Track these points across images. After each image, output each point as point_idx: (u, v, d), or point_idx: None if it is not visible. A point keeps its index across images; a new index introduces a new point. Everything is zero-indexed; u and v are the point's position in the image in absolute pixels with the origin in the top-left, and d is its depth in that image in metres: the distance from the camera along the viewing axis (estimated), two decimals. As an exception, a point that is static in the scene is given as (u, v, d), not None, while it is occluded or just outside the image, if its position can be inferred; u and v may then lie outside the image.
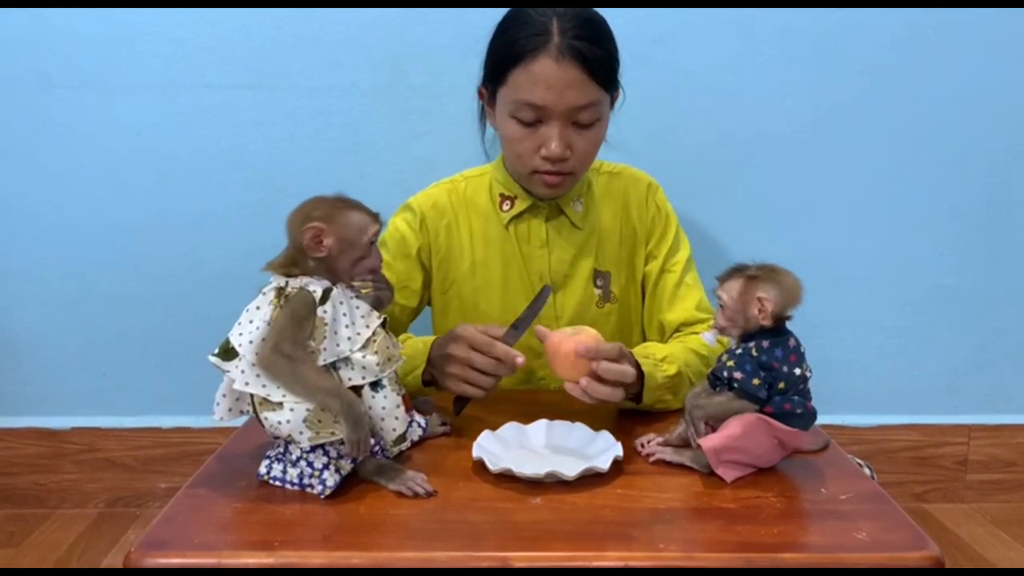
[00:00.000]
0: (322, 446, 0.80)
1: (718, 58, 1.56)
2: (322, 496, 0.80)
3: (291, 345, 0.78)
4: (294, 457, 0.82)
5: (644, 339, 1.27)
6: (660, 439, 0.91)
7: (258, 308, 0.81)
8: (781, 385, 0.83)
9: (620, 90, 1.14)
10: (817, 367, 0.87)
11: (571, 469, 0.82)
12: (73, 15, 1.51)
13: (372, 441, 0.83)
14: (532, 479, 0.82)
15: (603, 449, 0.88)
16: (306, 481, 0.81)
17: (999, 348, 1.73)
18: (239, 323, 0.81)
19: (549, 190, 1.14)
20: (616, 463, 0.85)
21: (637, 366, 1.01)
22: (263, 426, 0.79)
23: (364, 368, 0.82)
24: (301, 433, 0.77)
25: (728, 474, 0.84)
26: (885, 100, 1.59)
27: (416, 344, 1.10)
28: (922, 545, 0.71)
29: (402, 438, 0.88)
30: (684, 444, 0.89)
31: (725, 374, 0.84)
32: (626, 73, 1.12)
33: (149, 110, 1.56)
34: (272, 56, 1.54)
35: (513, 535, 0.73)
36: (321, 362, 0.80)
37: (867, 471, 1.13)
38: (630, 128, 1.27)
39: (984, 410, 1.76)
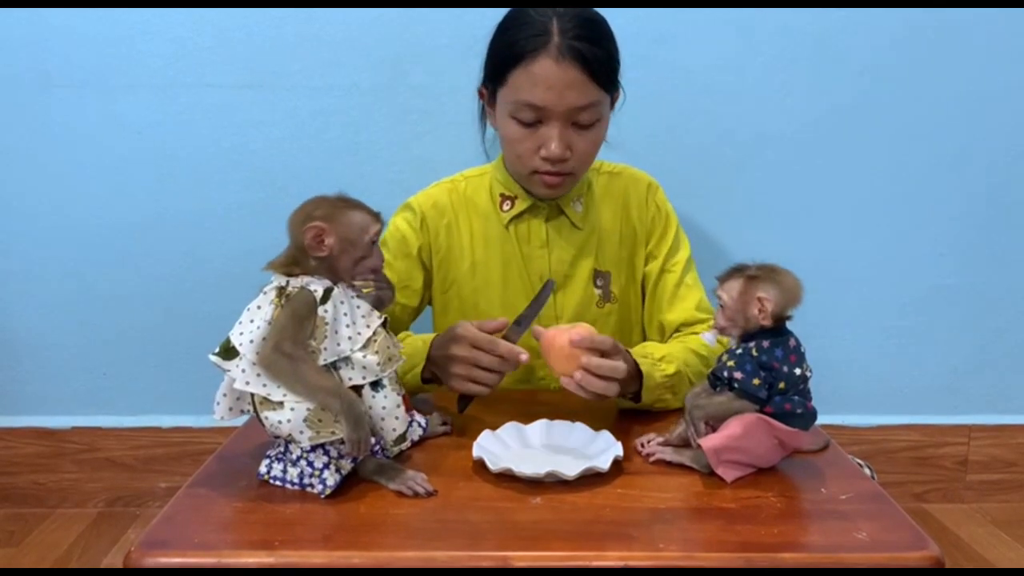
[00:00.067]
0: (322, 445, 0.80)
1: (718, 58, 1.56)
2: (322, 496, 0.80)
3: (292, 344, 0.78)
4: (294, 457, 0.82)
5: (644, 339, 1.27)
6: (660, 439, 0.91)
7: (259, 307, 0.81)
8: (781, 385, 0.83)
9: (620, 90, 1.14)
10: (817, 367, 0.87)
11: (571, 469, 0.82)
12: (73, 15, 1.51)
13: (372, 441, 0.83)
14: (532, 479, 0.82)
15: (603, 449, 0.88)
16: (306, 481, 0.81)
17: (999, 348, 1.73)
18: (240, 322, 0.81)
19: (549, 190, 1.14)
20: (616, 463, 0.85)
21: (634, 364, 1.01)
22: (263, 425, 0.79)
23: (365, 368, 0.82)
24: (301, 432, 0.77)
25: (728, 474, 0.84)
26: (885, 100, 1.59)
27: (415, 342, 1.10)
28: (922, 545, 0.71)
29: (402, 438, 0.88)
30: (684, 444, 0.89)
31: (725, 374, 0.84)
32: (626, 73, 1.12)
33: (149, 110, 1.56)
34: (272, 56, 1.54)
35: (513, 535, 0.73)
36: (322, 361, 0.80)
37: (867, 471, 1.13)
38: (630, 128, 1.27)
39: (984, 410, 1.76)
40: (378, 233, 0.86)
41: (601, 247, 1.22)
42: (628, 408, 1.06)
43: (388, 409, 0.84)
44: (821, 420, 0.87)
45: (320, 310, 0.80)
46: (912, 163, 1.63)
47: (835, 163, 1.62)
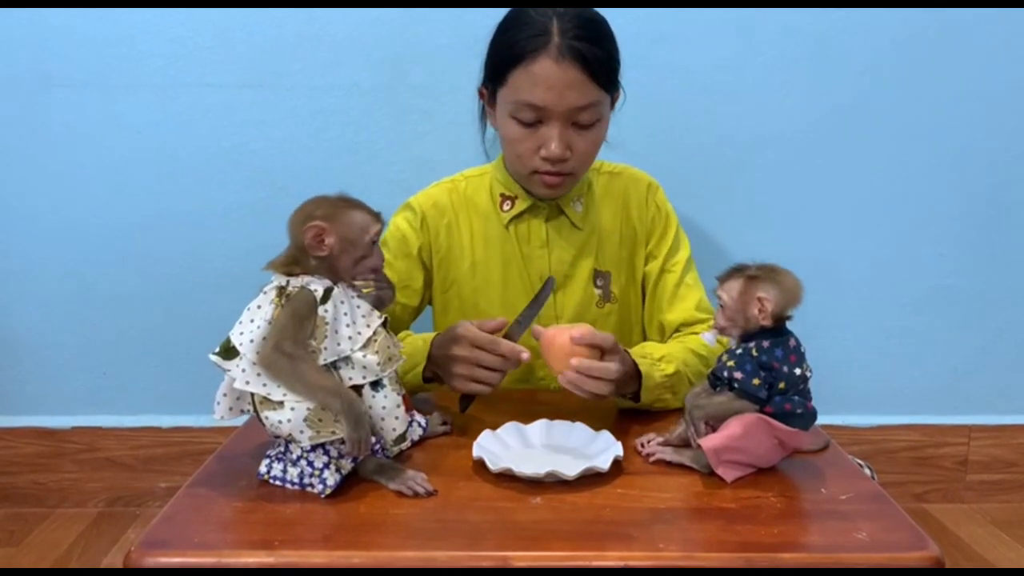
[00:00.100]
0: (322, 445, 0.80)
1: (718, 58, 1.56)
2: (322, 495, 0.80)
3: (292, 344, 0.78)
4: (294, 456, 0.82)
5: (644, 339, 1.27)
6: (660, 439, 0.91)
7: (259, 307, 0.81)
8: (781, 385, 0.83)
9: (620, 91, 1.14)
10: (817, 367, 0.87)
11: (571, 469, 0.82)
12: (73, 15, 1.51)
13: (372, 440, 0.83)
14: (532, 479, 0.82)
15: (603, 449, 0.88)
16: (306, 480, 0.81)
17: (999, 348, 1.73)
18: (240, 322, 0.81)
19: (549, 190, 1.14)
20: (616, 463, 0.85)
21: (633, 364, 1.01)
22: (264, 425, 0.79)
23: (365, 367, 0.82)
24: (302, 432, 0.77)
25: (728, 474, 0.84)
26: (885, 100, 1.59)
27: (415, 342, 1.10)
28: (922, 545, 0.71)
29: (402, 438, 0.88)
30: (684, 444, 0.89)
31: (725, 374, 0.84)
32: (626, 73, 1.12)
33: (149, 109, 1.56)
34: (273, 55, 1.54)
35: (513, 535, 0.73)
36: (322, 361, 0.80)
37: (867, 471, 1.13)
38: (630, 128, 1.27)
39: (984, 410, 1.76)
40: (378, 233, 0.86)
41: (601, 247, 1.22)
42: (628, 408, 1.06)
43: (388, 409, 0.84)
44: (821, 420, 0.87)
45: (320, 310, 0.80)
46: (912, 163, 1.63)
47: (835, 163, 1.62)
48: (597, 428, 0.93)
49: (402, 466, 0.84)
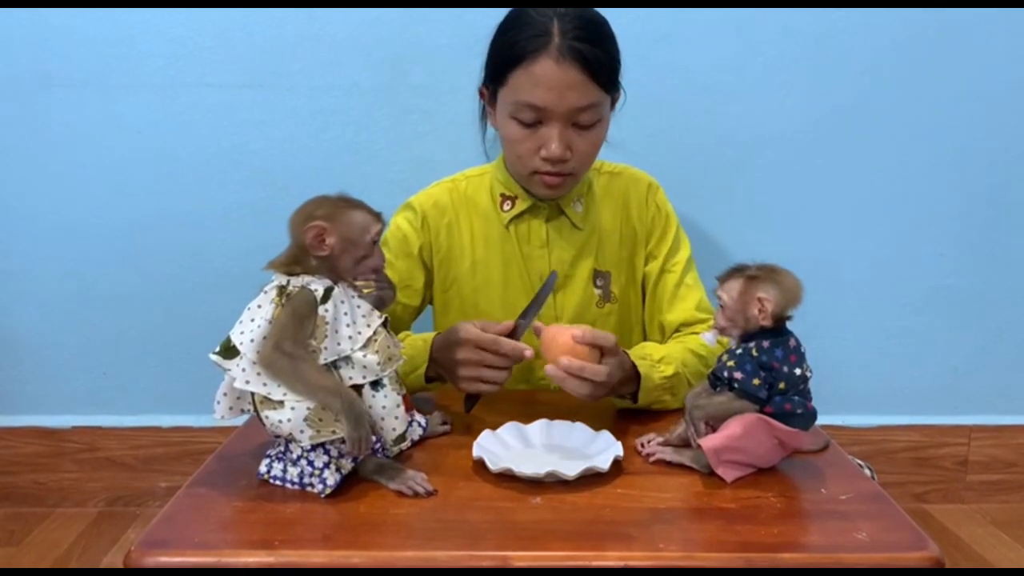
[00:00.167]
0: (323, 445, 0.80)
1: (718, 58, 1.56)
2: (322, 495, 0.80)
3: (292, 344, 0.78)
4: (294, 456, 0.82)
5: (645, 339, 1.27)
6: (660, 439, 0.91)
7: (259, 306, 0.81)
8: (781, 385, 0.83)
9: (621, 91, 1.14)
10: (817, 367, 0.87)
11: (571, 469, 0.82)
12: (73, 15, 1.51)
13: (372, 440, 0.83)
14: (532, 479, 0.82)
15: (603, 449, 0.88)
16: (306, 480, 0.81)
17: (999, 348, 1.73)
18: (240, 321, 0.81)
19: (549, 191, 1.14)
20: (616, 463, 0.85)
21: (632, 365, 1.01)
22: (264, 425, 0.79)
23: (365, 367, 0.82)
24: (302, 432, 0.77)
25: (728, 474, 0.84)
26: (885, 100, 1.59)
27: (416, 342, 1.10)
28: (922, 545, 0.71)
29: (402, 437, 0.88)
30: (684, 444, 0.89)
31: (725, 374, 0.84)
32: (626, 73, 1.12)
33: (149, 109, 1.56)
34: (273, 55, 1.54)
35: (513, 535, 0.73)
36: (322, 361, 0.80)
37: (867, 471, 1.13)
38: (630, 128, 1.27)
39: (984, 410, 1.76)
40: (379, 233, 0.86)
41: (601, 247, 1.22)
42: (627, 408, 1.06)
43: (388, 409, 0.84)
44: (821, 420, 0.87)
45: (321, 309, 0.80)
46: (912, 163, 1.63)
47: (835, 163, 1.62)
48: (597, 428, 0.93)
49: (402, 466, 0.84)
